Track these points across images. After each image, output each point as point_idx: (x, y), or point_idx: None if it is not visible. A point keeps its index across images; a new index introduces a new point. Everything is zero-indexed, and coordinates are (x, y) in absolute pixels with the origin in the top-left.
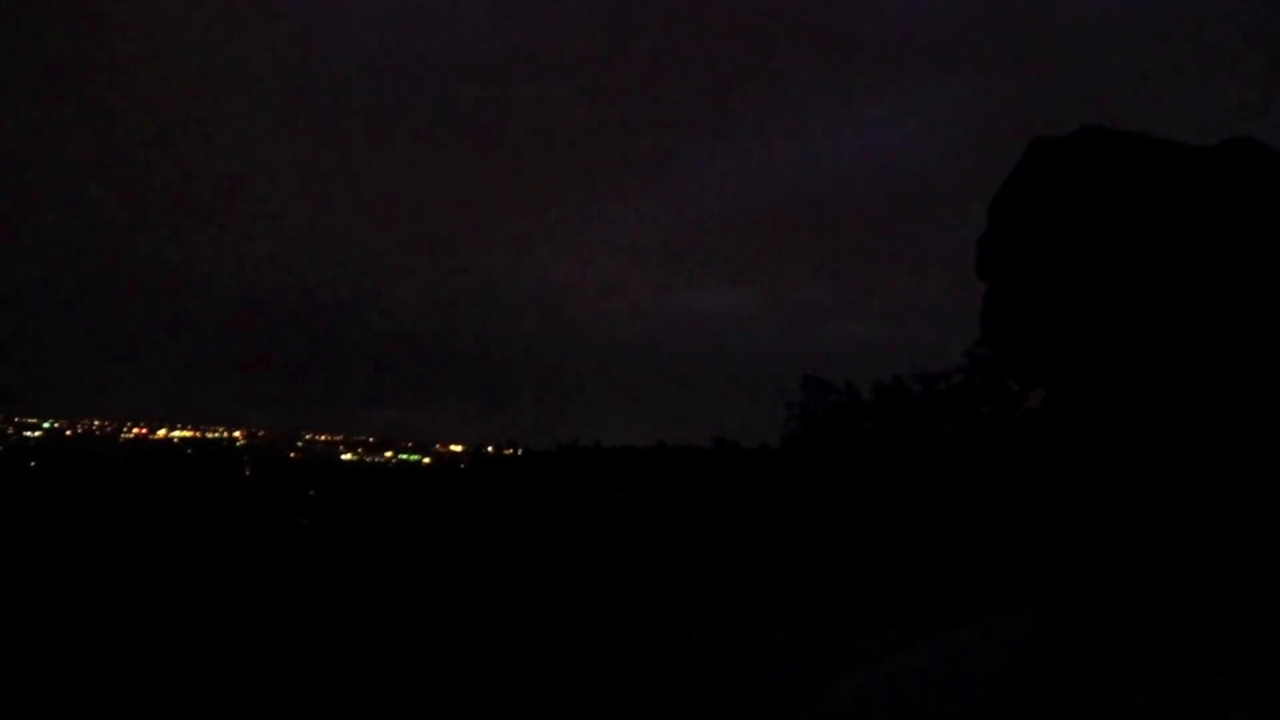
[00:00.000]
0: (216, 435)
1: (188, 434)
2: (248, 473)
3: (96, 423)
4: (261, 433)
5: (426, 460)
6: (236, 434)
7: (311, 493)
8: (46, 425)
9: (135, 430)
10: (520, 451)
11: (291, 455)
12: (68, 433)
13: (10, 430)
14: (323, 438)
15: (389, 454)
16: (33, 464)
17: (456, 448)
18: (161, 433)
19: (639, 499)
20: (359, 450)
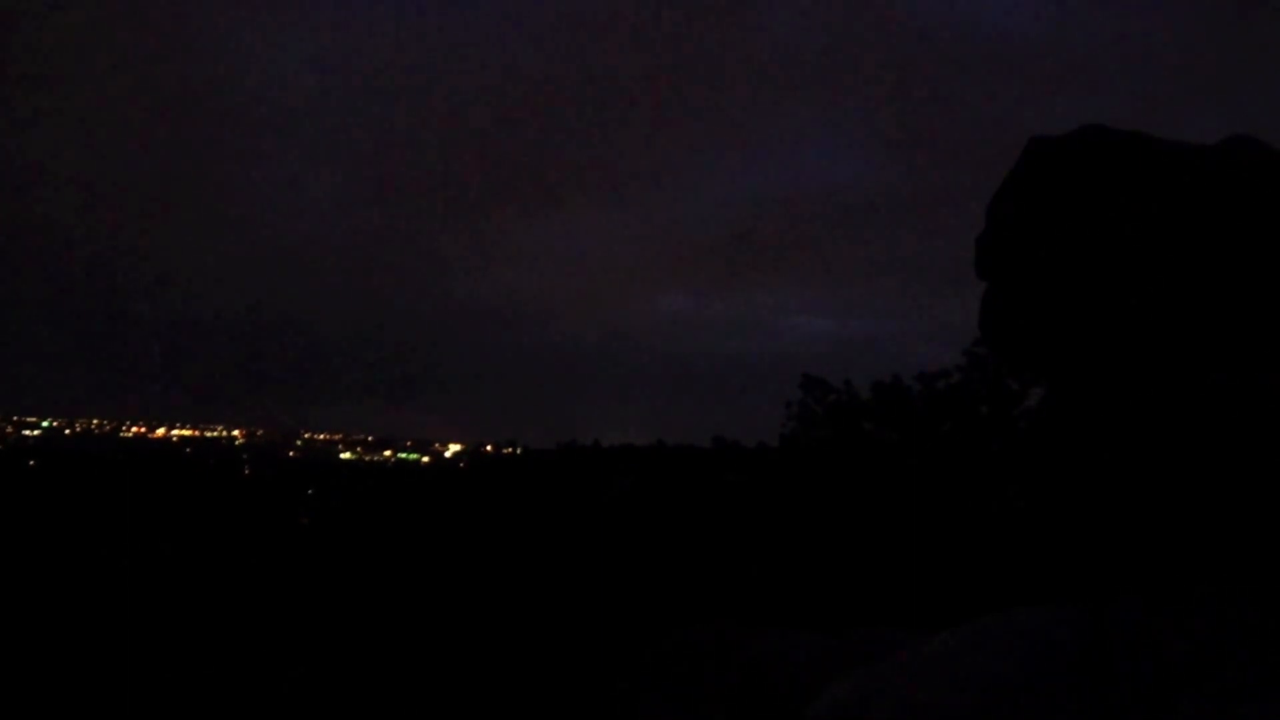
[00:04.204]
0: (216, 434)
1: (187, 433)
2: (247, 471)
3: (95, 421)
4: (261, 432)
5: (425, 459)
6: (236, 433)
7: (310, 491)
8: (46, 424)
9: (134, 429)
10: (519, 450)
11: (291, 454)
12: (67, 431)
13: (10, 429)
14: (322, 437)
15: (388, 453)
16: (31, 463)
17: (455, 447)
18: (161, 431)
19: (638, 498)
20: (358, 449)
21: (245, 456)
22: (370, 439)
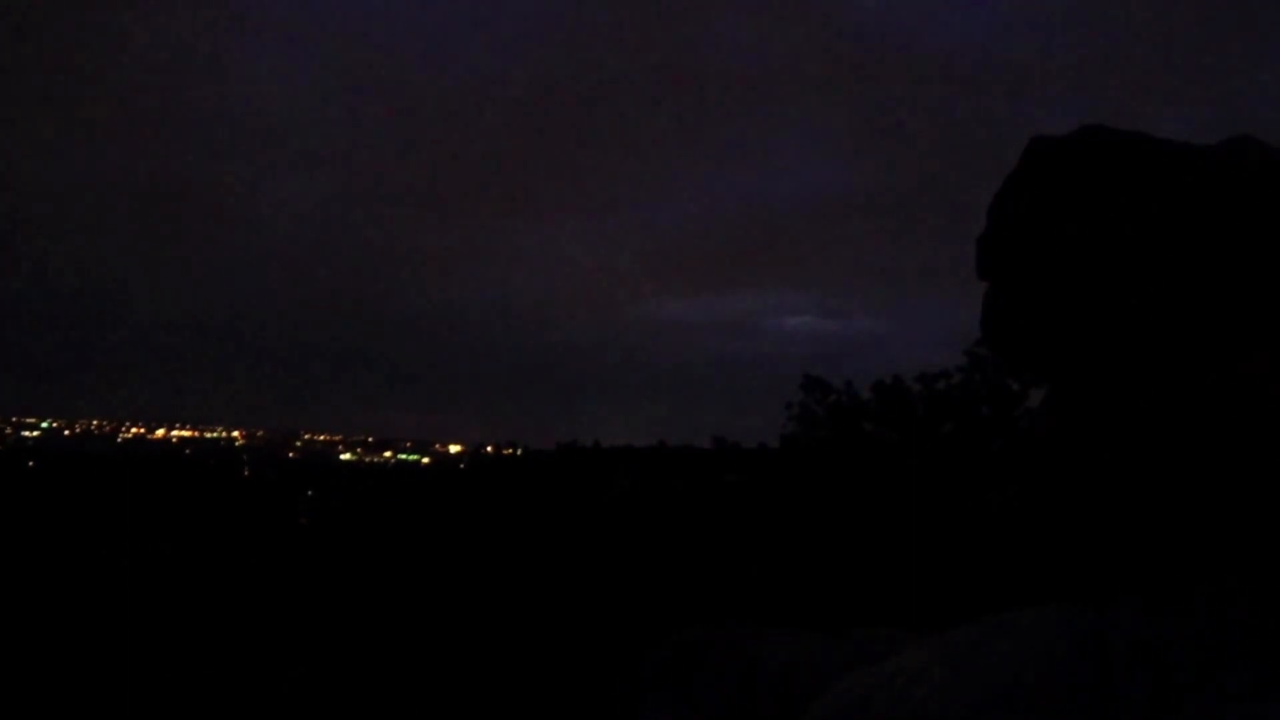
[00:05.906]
0: (215, 435)
1: (186, 434)
2: (246, 472)
3: (95, 422)
4: (260, 432)
5: (425, 460)
6: (235, 434)
7: (310, 492)
8: (45, 425)
9: (134, 430)
10: (519, 451)
11: (290, 455)
12: (66, 432)
13: (9, 430)
14: (322, 437)
15: (388, 454)
16: (31, 464)
17: (455, 448)
18: (160, 432)
19: (638, 498)
20: (358, 450)
21: (245, 457)
22: (370, 439)
